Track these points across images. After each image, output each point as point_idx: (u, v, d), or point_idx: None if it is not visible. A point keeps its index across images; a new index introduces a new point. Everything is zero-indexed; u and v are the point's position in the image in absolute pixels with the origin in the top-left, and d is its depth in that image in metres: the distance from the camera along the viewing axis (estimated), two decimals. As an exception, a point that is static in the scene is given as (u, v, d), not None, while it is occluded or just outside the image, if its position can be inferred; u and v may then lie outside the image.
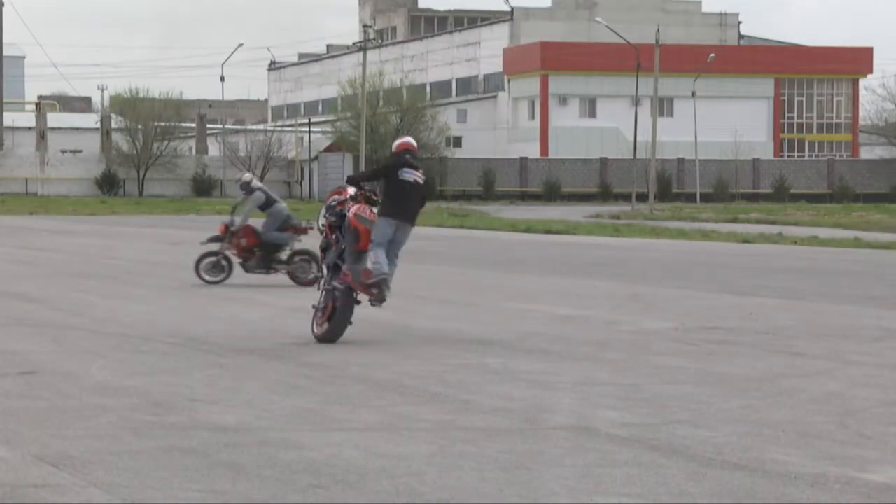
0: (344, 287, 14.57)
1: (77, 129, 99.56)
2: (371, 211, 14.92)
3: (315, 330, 14.71)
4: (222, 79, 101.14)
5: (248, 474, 8.29)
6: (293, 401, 10.95)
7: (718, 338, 15.51)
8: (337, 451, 8.94)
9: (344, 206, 14.97)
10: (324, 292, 14.77)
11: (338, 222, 14.91)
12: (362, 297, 14.77)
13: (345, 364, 13.08)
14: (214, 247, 22.77)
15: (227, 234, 22.63)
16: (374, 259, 14.60)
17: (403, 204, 14.92)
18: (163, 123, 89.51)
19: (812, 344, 15.02)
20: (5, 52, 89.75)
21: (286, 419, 10.14)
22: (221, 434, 9.52)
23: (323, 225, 15.15)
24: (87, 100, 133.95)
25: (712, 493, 7.95)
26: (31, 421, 9.99)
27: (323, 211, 15.27)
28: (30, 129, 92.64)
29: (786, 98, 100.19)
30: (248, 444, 9.19)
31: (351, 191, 15.07)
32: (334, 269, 14.82)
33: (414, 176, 15.05)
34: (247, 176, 23.68)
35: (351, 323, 14.62)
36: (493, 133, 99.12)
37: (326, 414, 10.37)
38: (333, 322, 14.55)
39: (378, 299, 14.76)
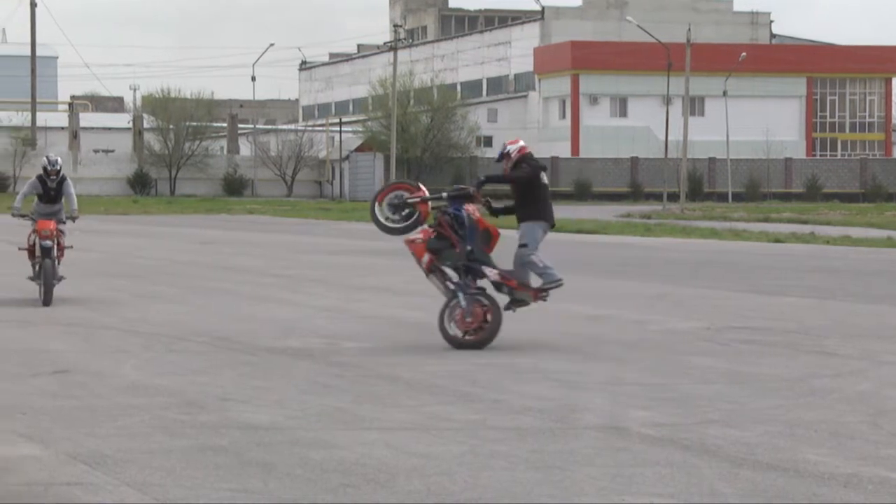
0: (510, 291, 14.57)
1: (109, 128, 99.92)
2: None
3: (453, 332, 14.28)
4: (253, 79, 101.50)
5: (279, 473, 8.30)
6: (324, 400, 10.97)
7: (749, 337, 15.46)
8: (368, 451, 8.95)
9: (424, 203, 14.70)
10: (466, 297, 14.31)
11: (451, 222, 14.57)
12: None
13: (375, 364, 13.10)
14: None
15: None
16: (544, 264, 14.78)
17: (548, 207, 15.01)
18: (194, 123, 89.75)
19: (844, 344, 14.95)
20: (38, 53, 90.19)
21: (317, 418, 10.16)
22: (253, 433, 9.54)
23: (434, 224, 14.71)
24: (120, 100, 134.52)
25: (744, 493, 7.92)
26: (65, 420, 10.04)
27: (381, 208, 14.93)
28: (63, 128, 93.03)
29: (818, 97, 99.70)
30: (279, 443, 9.21)
31: (424, 191, 14.90)
32: (466, 272, 14.48)
33: (546, 178, 15.19)
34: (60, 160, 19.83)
35: None
36: (523, 132, 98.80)
37: (357, 413, 10.39)
38: (492, 327, 14.31)
39: (520, 305, 14.80)
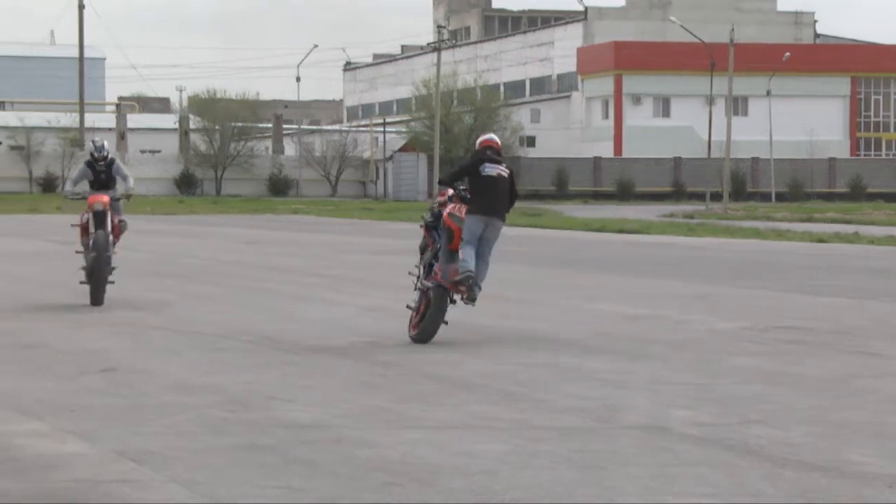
0: (435, 286, 14.48)
1: (156, 129, 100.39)
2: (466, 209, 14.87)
3: (410, 331, 14.65)
4: (298, 79, 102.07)
5: (324, 471, 8.33)
6: (368, 399, 11.00)
7: (791, 337, 15.38)
8: (411, 449, 8.97)
9: (444, 206, 14.96)
10: (418, 292, 14.71)
11: (434, 223, 14.94)
12: (457, 296, 14.69)
13: (419, 363, 13.12)
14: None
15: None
16: (462, 256, 14.53)
17: (488, 199, 14.74)
18: (239, 124, 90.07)
19: (887, 344, 14.85)
20: (86, 54, 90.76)
21: (361, 417, 10.18)
22: (297, 431, 9.58)
23: (421, 226, 15.30)
24: (166, 101, 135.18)
25: (788, 493, 7.89)
26: (112, 417, 10.12)
27: (428, 215, 15.40)
28: (110, 129, 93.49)
29: (862, 96, 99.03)
30: (323, 441, 9.24)
31: (450, 191, 15.06)
32: (428, 269, 14.75)
33: (497, 170, 14.86)
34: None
35: (446, 323, 14.48)
36: (566, 132, 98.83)
37: (401, 412, 10.41)
38: (424, 322, 14.44)
39: (469, 298, 14.65)
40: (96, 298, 18.09)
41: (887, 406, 10.85)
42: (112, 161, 18.50)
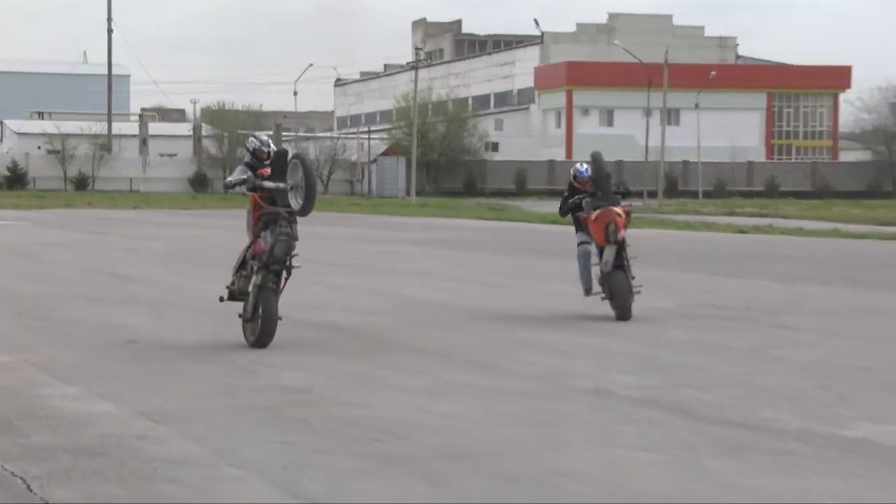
0: None
1: (173, 136, 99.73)
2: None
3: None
4: (295, 93, 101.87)
5: (318, 429, 8.29)
6: (357, 367, 10.96)
7: (719, 314, 15.40)
8: (394, 411, 8.93)
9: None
10: None
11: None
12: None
13: (402, 337, 13.08)
14: None
15: None
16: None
17: None
18: (245, 131, 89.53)
19: (799, 320, 14.89)
20: (114, 72, 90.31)
21: (350, 383, 10.14)
22: (295, 395, 9.54)
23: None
24: (182, 111, 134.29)
25: (714, 445, 7.90)
26: (135, 382, 10.05)
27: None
28: (133, 136, 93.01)
29: (776, 109, 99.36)
30: (317, 403, 9.20)
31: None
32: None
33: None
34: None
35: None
36: (525, 139, 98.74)
37: (385, 379, 10.37)
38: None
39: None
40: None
41: (797, 372, 10.87)
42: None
